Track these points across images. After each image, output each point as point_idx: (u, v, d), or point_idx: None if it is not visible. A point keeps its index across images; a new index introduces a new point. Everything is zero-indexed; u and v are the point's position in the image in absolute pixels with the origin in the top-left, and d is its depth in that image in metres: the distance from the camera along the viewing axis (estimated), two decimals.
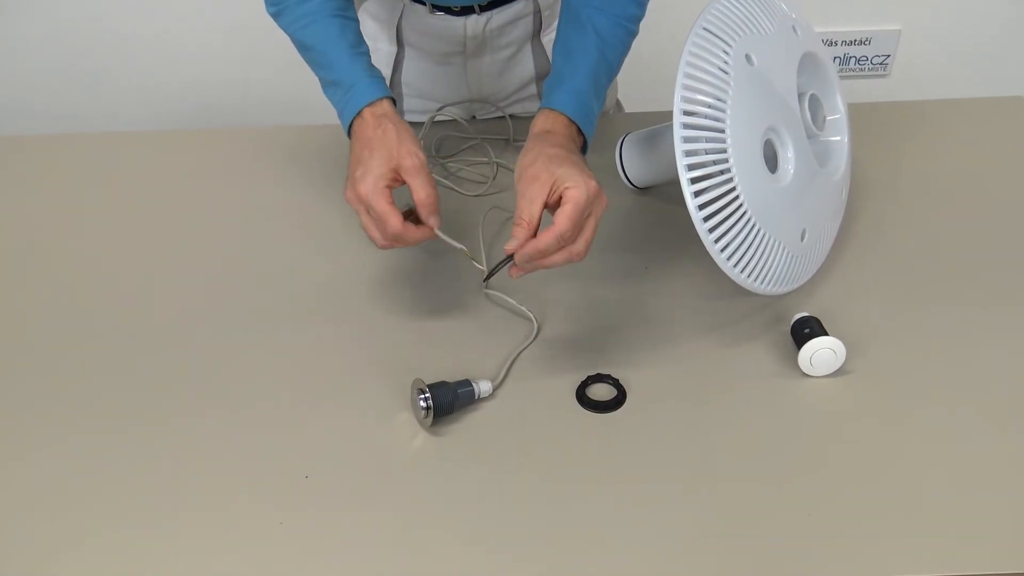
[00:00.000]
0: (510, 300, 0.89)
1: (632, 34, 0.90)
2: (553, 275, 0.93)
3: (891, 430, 0.76)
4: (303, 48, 0.89)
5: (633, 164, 1.03)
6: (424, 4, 1.06)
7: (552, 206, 0.75)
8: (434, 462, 0.75)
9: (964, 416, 0.77)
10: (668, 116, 0.77)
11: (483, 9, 1.07)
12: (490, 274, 0.83)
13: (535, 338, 0.85)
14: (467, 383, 0.78)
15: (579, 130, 0.85)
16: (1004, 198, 1.04)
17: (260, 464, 0.75)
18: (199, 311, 0.91)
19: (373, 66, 0.87)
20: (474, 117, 1.21)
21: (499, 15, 1.08)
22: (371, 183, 0.78)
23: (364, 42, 0.89)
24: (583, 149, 0.86)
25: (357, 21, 0.90)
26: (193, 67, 1.90)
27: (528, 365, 0.83)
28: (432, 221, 0.80)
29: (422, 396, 0.75)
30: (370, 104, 0.83)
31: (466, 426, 0.78)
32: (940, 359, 0.82)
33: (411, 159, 0.79)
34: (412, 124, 1.16)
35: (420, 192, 0.79)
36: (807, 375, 0.81)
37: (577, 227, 0.73)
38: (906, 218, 1.01)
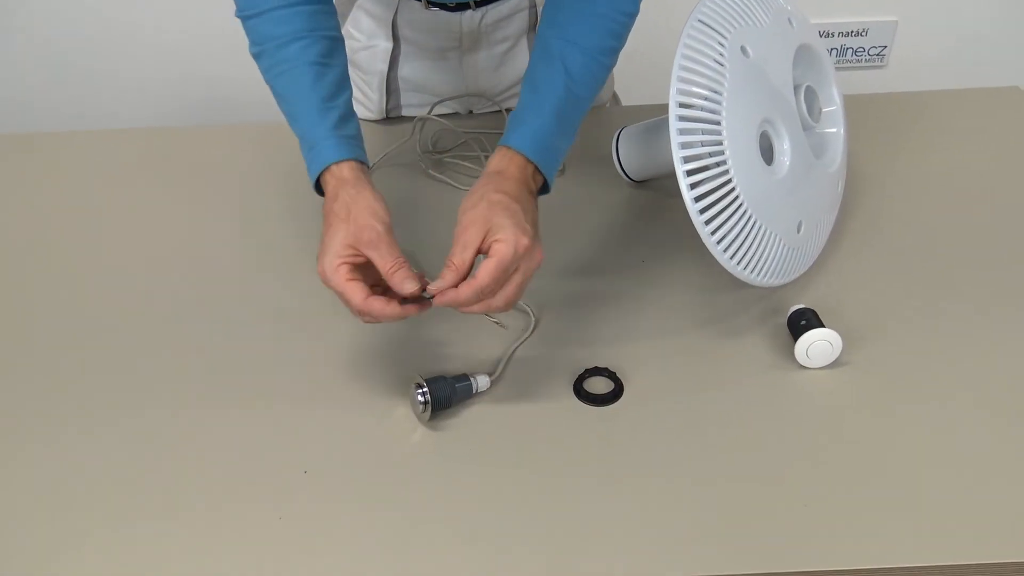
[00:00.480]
0: None
1: (607, 67, 0.84)
2: (549, 270, 0.93)
3: (888, 422, 0.76)
4: (276, 96, 0.83)
5: (630, 157, 1.03)
6: (419, 0, 1.06)
7: (486, 252, 0.74)
8: (432, 456, 0.75)
9: (960, 408, 0.77)
10: (665, 109, 0.77)
11: (478, 4, 1.07)
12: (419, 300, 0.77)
13: (532, 332, 0.85)
14: (464, 377, 0.78)
15: (537, 169, 0.80)
16: (1001, 189, 1.04)
17: (259, 460, 0.75)
18: (198, 308, 0.91)
19: (346, 120, 0.81)
20: (471, 112, 1.21)
21: (494, 10, 1.08)
22: (328, 262, 0.73)
23: (343, 91, 0.82)
24: (545, 188, 0.81)
25: (342, 67, 0.84)
26: (194, 63, 1.90)
27: (525, 359, 0.83)
28: (407, 287, 0.73)
29: (420, 391, 0.76)
30: (330, 168, 0.78)
31: (464, 420, 0.78)
32: (937, 351, 0.83)
33: (368, 232, 0.73)
34: (409, 119, 1.18)
35: (382, 264, 0.73)
36: (804, 367, 0.81)
37: (498, 282, 0.72)
38: (903, 209, 1.01)
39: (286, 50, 0.80)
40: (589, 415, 0.78)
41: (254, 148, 1.14)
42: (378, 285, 0.76)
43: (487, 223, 0.73)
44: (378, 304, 0.73)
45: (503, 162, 0.79)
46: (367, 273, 0.75)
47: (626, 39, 0.85)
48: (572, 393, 0.79)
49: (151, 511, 0.71)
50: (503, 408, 0.79)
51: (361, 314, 0.74)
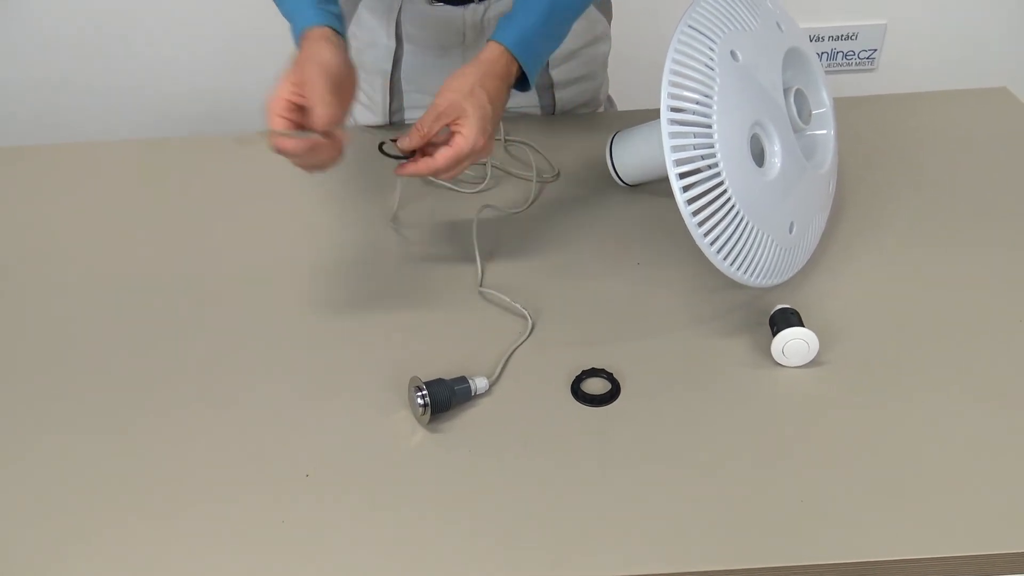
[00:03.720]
0: (504, 297, 0.90)
1: None
2: (547, 271, 0.95)
3: (879, 421, 0.77)
4: None
5: (623, 161, 1.04)
6: None
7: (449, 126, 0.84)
8: (432, 458, 0.76)
9: (945, 403, 0.78)
10: (658, 113, 0.78)
11: None
12: (392, 155, 0.88)
13: (529, 335, 0.86)
14: (463, 380, 0.79)
15: (520, 67, 0.89)
16: (990, 189, 1.05)
17: (261, 463, 0.76)
18: (200, 312, 0.92)
19: (331, 0, 0.88)
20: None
21: (497, 3, 1.09)
22: (271, 94, 0.79)
23: None
24: (525, 83, 0.91)
25: None
26: (187, 74, 1.91)
27: (523, 361, 0.84)
28: (319, 112, 0.78)
29: (419, 393, 0.77)
30: (304, 32, 0.84)
31: (463, 422, 0.79)
32: (925, 350, 0.84)
33: (311, 74, 0.80)
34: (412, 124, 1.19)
35: (308, 100, 0.79)
36: (797, 366, 0.82)
37: (452, 166, 0.84)
38: (894, 210, 1.02)
39: None
40: (587, 415, 0.79)
41: (247, 155, 1.15)
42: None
43: (459, 110, 0.84)
44: (278, 120, 0.79)
45: (492, 55, 0.88)
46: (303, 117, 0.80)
47: None
48: (570, 394, 0.80)
49: (153, 514, 0.72)
50: (502, 409, 0.80)
51: (272, 122, 0.79)
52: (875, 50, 2.04)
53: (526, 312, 0.88)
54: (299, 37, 0.85)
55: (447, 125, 0.84)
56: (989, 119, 1.19)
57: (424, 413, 0.77)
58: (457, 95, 0.84)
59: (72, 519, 0.72)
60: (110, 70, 1.92)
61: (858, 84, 2.08)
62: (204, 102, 1.95)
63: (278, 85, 0.80)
